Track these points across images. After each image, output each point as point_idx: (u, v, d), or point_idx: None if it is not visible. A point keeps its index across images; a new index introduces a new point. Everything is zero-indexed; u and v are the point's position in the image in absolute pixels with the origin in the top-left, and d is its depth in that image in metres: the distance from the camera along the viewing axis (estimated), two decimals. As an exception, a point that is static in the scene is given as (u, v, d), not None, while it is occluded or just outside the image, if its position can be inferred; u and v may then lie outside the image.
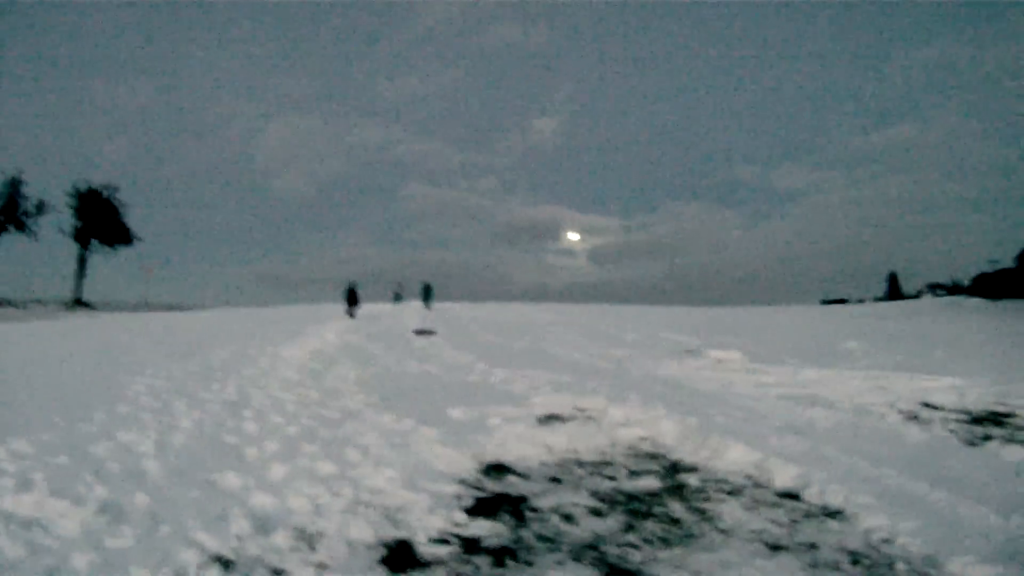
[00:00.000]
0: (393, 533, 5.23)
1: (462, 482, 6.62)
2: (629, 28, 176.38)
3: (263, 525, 5.17)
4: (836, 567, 4.83)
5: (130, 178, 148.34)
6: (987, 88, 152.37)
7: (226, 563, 4.53)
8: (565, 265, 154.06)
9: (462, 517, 5.64)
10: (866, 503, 5.90)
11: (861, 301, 79.19)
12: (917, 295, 77.89)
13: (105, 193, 64.21)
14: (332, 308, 37.68)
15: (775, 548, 5.14)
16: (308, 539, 5.02)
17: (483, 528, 5.46)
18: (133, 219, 64.00)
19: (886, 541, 5.25)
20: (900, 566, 4.80)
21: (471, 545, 5.13)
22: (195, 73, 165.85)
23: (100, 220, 65.31)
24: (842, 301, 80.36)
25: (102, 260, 71.27)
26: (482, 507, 5.94)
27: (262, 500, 5.68)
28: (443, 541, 5.17)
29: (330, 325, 25.27)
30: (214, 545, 4.76)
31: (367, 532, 5.17)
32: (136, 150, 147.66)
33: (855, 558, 4.98)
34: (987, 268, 53.22)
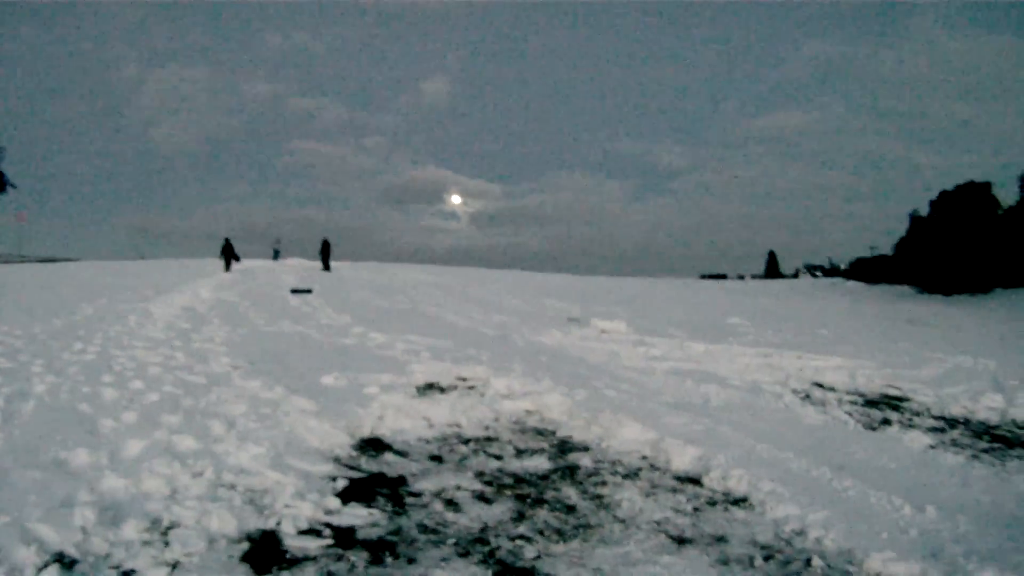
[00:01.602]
0: (258, 523, 4.57)
1: (336, 460, 6.01)
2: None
3: (113, 514, 4.39)
4: (749, 563, 4.47)
5: (4, 122, 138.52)
6: (878, 85, 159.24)
7: (69, 562, 3.80)
8: (447, 228, 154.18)
9: (335, 503, 5.03)
10: (771, 490, 5.60)
11: (741, 277, 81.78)
12: (795, 275, 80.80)
13: (-23, 135, 59.67)
14: (210, 264, 35.90)
15: (681, 541, 4.74)
16: (162, 531, 4.29)
17: (359, 516, 4.88)
18: (8, 166, 59.72)
19: (798, 534, 4.94)
20: (816, 562, 4.48)
21: (345, 537, 4.54)
22: (78, 14, 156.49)
23: (-28, 165, 60.78)
24: (721, 276, 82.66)
25: (-30, 207, 66.39)
26: (357, 490, 5.35)
27: (113, 483, 4.86)
28: (314, 532, 4.56)
29: (205, 281, 23.91)
30: (55, 539, 3.97)
31: (229, 522, 4.47)
32: (13, 92, 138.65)
33: (768, 553, 4.63)
34: (866, 254, 55.71)
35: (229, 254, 33.60)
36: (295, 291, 21.17)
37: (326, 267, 36.79)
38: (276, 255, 47.56)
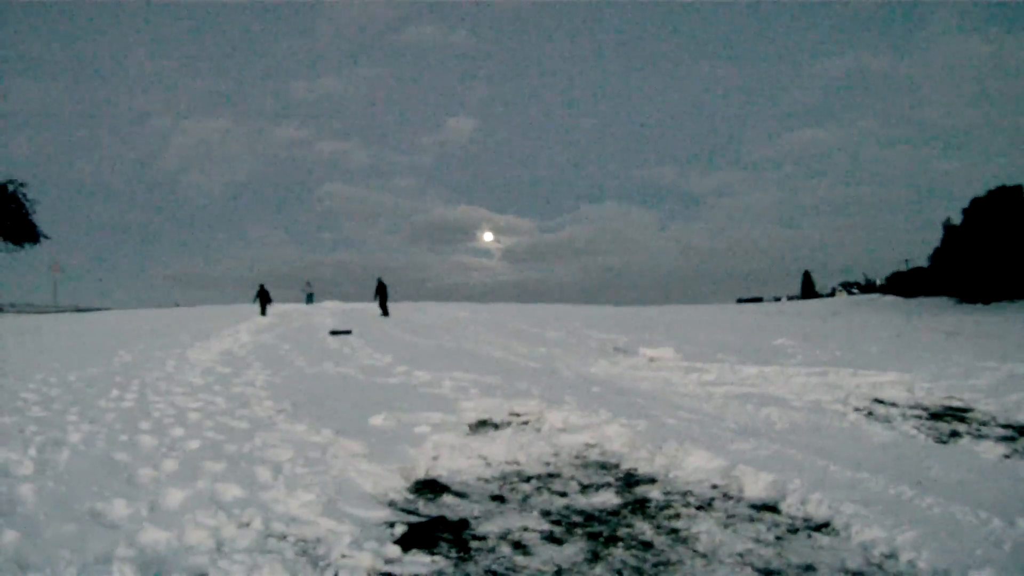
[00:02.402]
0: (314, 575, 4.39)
1: (391, 504, 5.83)
2: (547, 30, 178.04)
3: (155, 570, 4.19)
4: (844, 592, 4.24)
5: (40, 176, 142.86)
6: (901, 96, 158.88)
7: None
8: (481, 265, 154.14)
9: (395, 551, 4.78)
10: (854, 512, 5.40)
11: (777, 299, 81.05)
12: (832, 293, 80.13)
13: (11, 188, 60.64)
14: (245, 309, 36.10)
15: (768, 573, 4.55)
16: None
17: (422, 564, 4.64)
18: (41, 217, 60.54)
19: (889, 557, 4.73)
20: (915, 586, 4.23)
21: None
22: (107, 72, 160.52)
23: (5, 216, 61.79)
24: (757, 300, 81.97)
25: (7, 259, 67.31)
26: (418, 536, 5.14)
27: (154, 536, 4.66)
28: None
29: (242, 326, 24.01)
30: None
31: None
32: (46, 148, 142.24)
33: (861, 580, 4.40)
34: (901, 267, 55.18)
35: (265, 299, 33.73)
36: (334, 332, 21.18)
37: (384, 311, 32.03)
38: (310, 299, 47.22)
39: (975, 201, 37.67)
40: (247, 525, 5.01)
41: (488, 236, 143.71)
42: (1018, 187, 36.49)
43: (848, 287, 79.37)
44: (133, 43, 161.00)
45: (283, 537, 4.89)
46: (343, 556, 4.61)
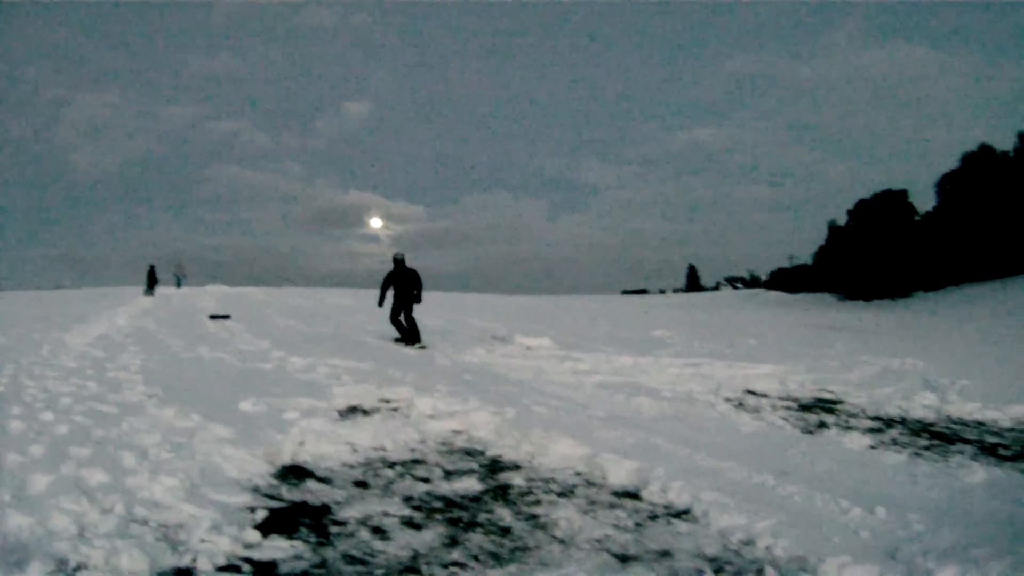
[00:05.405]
0: (172, 560, 4.27)
1: (255, 490, 5.71)
2: (444, 21, 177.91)
3: (17, 556, 4.04)
4: (698, 577, 4.34)
5: None
6: (795, 99, 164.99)
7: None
8: (369, 252, 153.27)
9: (255, 536, 4.75)
10: (715, 500, 5.55)
11: (662, 292, 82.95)
12: (716, 287, 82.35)
13: None
14: (128, 291, 34.90)
15: (624, 559, 4.63)
16: (69, 572, 3.95)
17: (280, 549, 4.62)
18: None
19: (747, 543, 4.87)
20: (769, 571, 4.40)
21: (266, 572, 4.28)
22: None
23: None
24: (643, 292, 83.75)
25: None
26: (278, 521, 5.09)
27: (17, 521, 4.47)
28: (232, 568, 4.28)
29: (123, 309, 23.15)
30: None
31: (140, 561, 4.15)
32: None
33: (717, 565, 4.55)
34: (785, 264, 57.36)
35: (153, 280, 34.49)
36: (213, 316, 20.76)
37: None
38: (179, 282, 45.38)
39: (860, 203, 39.67)
40: (110, 510, 4.86)
41: (377, 222, 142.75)
42: (903, 191, 38.54)
43: (733, 282, 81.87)
44: (25, 12, 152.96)
45: (145, 522, 4.76)
46: (202, 541, 4.56)
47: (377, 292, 15.82)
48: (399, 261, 15.79)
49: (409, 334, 15.36)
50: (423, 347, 14.80)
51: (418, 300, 15.71)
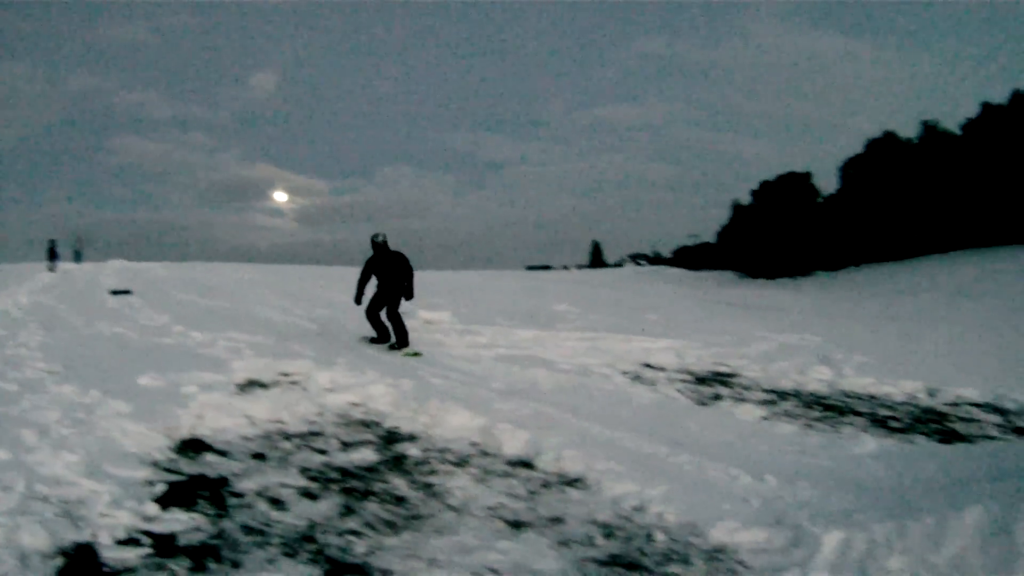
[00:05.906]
0: (73, 536, 4.21)
1: (154, 464, 5.64)
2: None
3: None
4: (589, 542, 4.50)
5: None
6: (707, 81, 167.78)
7: None
8: (273, 226, 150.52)
9: (154, 509, 4.74)
10: (607, 469, 5.70)
11: (566, 268, 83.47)
12: (619, 264, 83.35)
13: None
14: (29, 267, 33.58)
15: (517, 525, 4.72)
16: None
17: (179, 521, 4.61)
18: None
19: (638, 510, 5.02)
20: (659, 536, 4.56)
21: (166, 544, 4.27)
22: None
23: None
24: (546, 267, 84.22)
25: None
26: (177, 494, 5.07)
27: None
28: (132, 542, 4.26)
29: (23, 286, 22.33)
30: None
31: (41, 537, 4.08)
32: None
33: (608, 531, 4.68)
34: (688, 242, 58.54)
35: (54, 256, 33.80)
36: (115, 292, 20.20)
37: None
38: (78, 256, 43.90)
39: (764, 184, 40.62)
40: (10, 488, 4.73)
41: (281, 196, 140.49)
42: (807, 174, 39.63)
43: (636, 259, 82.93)
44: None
45: (45, 499, 4.67)
46: (102, 515, 4.54)
47: (354, 285, 12.42)
48: (381, 244, 12.15)
49: (394, 334, 11.75)
50: (416, 353, 10.98)
51: (409, 295, 12.13)
